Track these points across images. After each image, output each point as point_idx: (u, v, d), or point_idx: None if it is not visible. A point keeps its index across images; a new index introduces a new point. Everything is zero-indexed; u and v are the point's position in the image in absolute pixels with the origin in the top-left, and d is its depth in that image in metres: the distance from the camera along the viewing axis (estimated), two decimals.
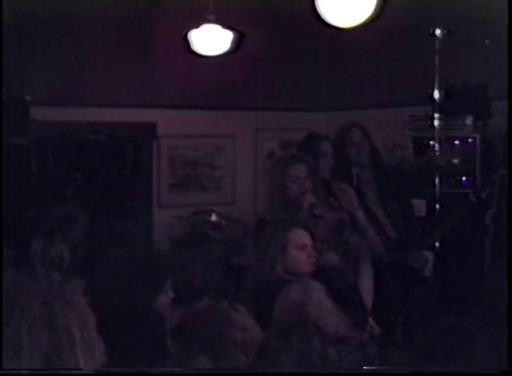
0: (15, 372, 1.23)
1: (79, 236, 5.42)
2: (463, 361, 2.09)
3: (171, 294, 2.78)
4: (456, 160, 5.49)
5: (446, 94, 5.09)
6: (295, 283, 3.06)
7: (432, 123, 5.10)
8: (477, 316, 2.41)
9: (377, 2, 3.67)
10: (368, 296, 3.90)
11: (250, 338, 2.45)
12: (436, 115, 5.08)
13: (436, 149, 5.13)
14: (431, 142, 5.17)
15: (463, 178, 5.46)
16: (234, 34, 5.88)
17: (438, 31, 4.96)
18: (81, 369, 1.29)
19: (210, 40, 5.88)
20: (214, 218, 6.21)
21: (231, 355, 2.38)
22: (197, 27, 5.84)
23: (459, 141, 5.50)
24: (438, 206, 4.97)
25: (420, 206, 5.01)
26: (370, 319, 3.53)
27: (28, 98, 5.69)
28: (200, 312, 2.59)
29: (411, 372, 2.13)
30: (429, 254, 4.78)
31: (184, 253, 3.29)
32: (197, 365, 2.41)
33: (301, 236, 3.72)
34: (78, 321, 1.38)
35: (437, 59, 4.96)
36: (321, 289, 2.89)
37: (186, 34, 5.86)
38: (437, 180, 5.05)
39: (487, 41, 5.15)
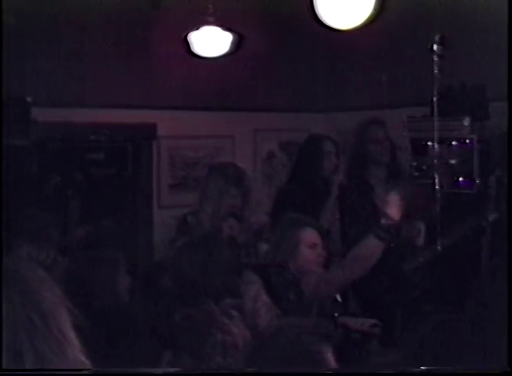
0: (15, 372, 1.24)
1: (78, 237, 5.46)
2: (456, 356, 2.12)
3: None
4: (453, 161, 5.52)
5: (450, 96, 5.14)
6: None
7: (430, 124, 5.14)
8: (472, 314, 2.44)
9: (375, 4, 3.69)
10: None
11: (231, 342, 2.49)
12: (434, 116, 5.11)
13: (434, 149, 5.17)
14: (429, 143, 5.21)
15: (461, 179, 5.49)
16: (233, 35, 5.90)
17: (435, 47, 4.96)
18: (81, 369, 1.30)
19: (210, 41, 5.90)
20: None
21: (208, 355, 2.43)
22: (197, 29, 5.87)
23: (457, 142, 5.54)
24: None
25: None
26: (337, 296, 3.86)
27: (29, 99, 5.71)
28: (189, 313, 2.64)
29: (411, 372, 2.15)
30: (421, 224, 4.86)
31: (195, 254, 3.32)
32: (180, 362, 2.47)
33: (311, 235, 3.79)
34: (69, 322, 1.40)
35: (436, 61, 4.99)
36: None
37: (186, 36, 5.89)
38: (434, 181, 5.08)
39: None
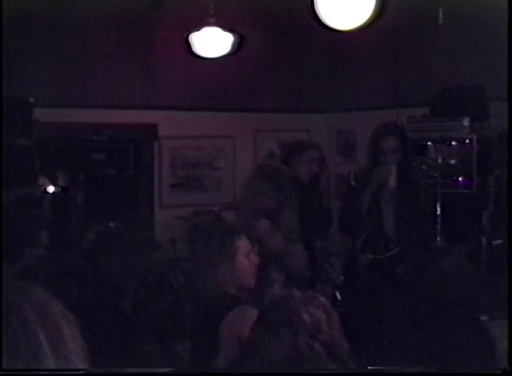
0: (15, 372, 1.25)
1: (80, 237, 5.48)
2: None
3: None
4: (452, 161, 5.55)
5: None
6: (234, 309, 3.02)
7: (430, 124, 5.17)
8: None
9: (376, 5, 3.71)
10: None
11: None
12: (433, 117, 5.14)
13: (433, 150, 5.19)
14: (429, 143, 5.24)
15: (460, 179, 5.52)
16: (234, 36, 5.93)
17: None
18: (80, 369, 1.32)
19: (211, 42, 5.93)
20: None
21: None
22: (198, 30, 5.90)
23: (456, 142, 5.56)
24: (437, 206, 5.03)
25: None
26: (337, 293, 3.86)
27: (31, 100, 5.74)
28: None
29: (411, 372, 2.16)
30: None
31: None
32: None
33: (246, 243, 3.33)
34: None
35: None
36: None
37: (187, 37, 5.92)
38: (434, 180, 5.11)
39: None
